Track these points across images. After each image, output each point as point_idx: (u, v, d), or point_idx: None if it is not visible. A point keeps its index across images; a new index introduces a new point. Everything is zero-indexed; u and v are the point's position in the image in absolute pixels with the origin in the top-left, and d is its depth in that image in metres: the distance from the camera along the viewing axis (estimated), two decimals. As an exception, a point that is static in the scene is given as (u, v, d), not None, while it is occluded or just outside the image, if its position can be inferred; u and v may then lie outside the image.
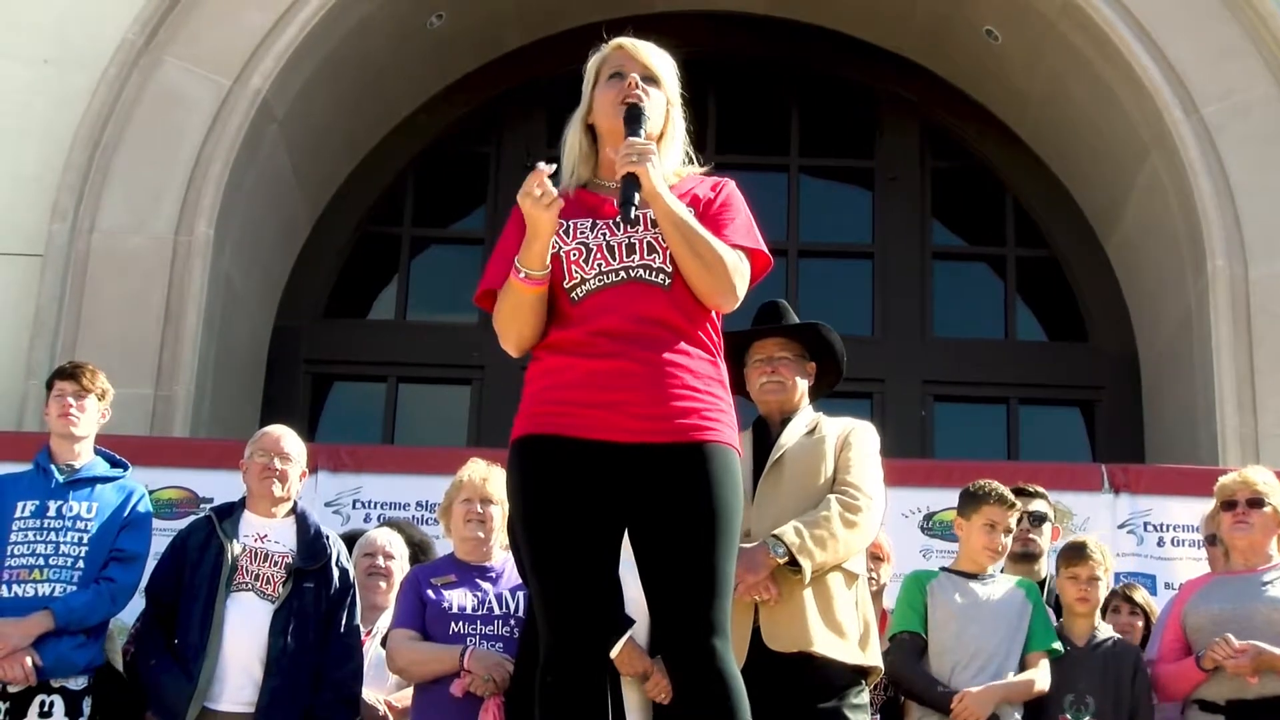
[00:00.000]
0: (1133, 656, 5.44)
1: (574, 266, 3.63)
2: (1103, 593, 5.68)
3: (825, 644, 4.51)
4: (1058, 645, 5.43)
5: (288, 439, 5.63)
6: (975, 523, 5.51)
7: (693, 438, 3.54)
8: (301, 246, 10.65)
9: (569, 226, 3.66)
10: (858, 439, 4.82)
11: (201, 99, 9.19)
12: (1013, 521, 5.59)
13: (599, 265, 3.62)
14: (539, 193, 3.50)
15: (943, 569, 5.60)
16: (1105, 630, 5.58)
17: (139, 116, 9.12)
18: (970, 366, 10.49)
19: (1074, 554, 5.61)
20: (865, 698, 4.65)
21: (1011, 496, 5.57)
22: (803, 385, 4.92)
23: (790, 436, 4.81)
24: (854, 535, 4.61)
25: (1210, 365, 8.91)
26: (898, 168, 11.04)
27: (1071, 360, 10.69)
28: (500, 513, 5.31)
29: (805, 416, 4.88)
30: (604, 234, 3.63)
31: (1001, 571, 6.00)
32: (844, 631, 4.56)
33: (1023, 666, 5.36)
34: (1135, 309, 10.44)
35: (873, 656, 4.66)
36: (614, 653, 4.46)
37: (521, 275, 3.58)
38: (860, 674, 4.64)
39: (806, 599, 4.52)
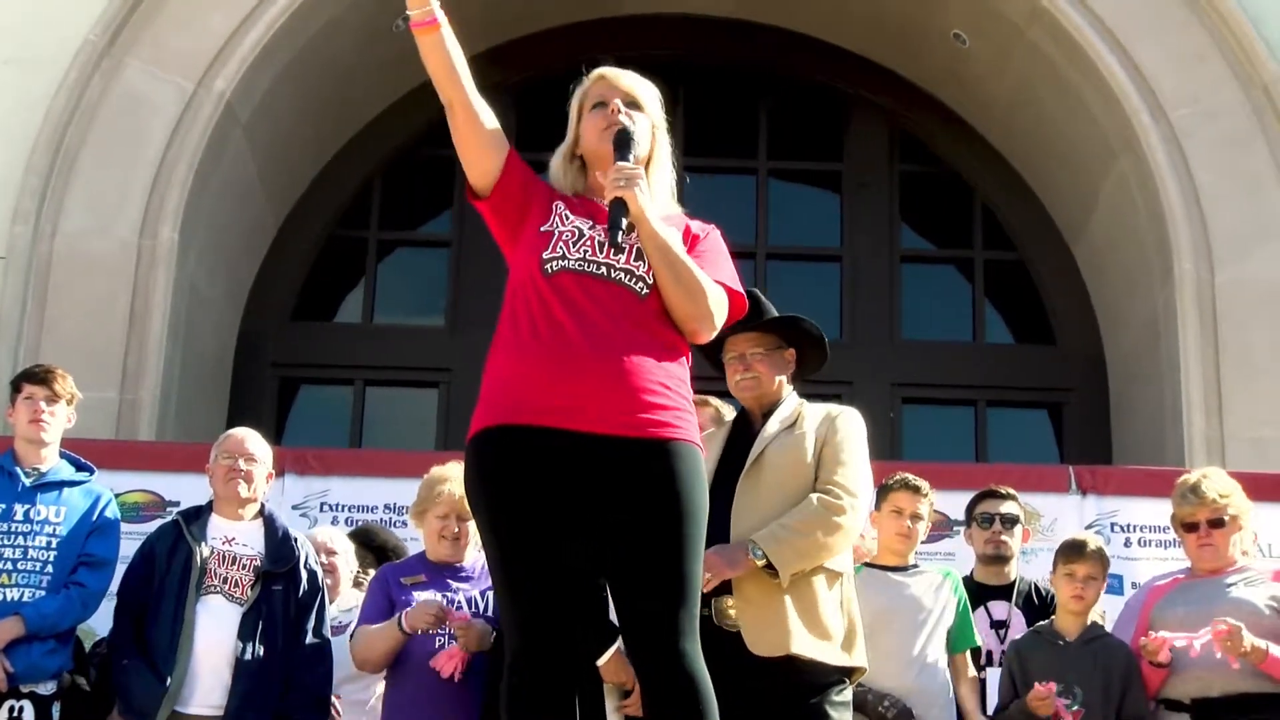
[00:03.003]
0: (1124, 652, 5.44)
1: (561, 244, 3.63)
2: (1098, 594, 5.67)
3: (807, 646, 4.45)
4: (978, 641, 5.53)
5: (252, 440, 5.60)
6: (884, 510, 5.58)
7: (662, 435, 3.53)
8: (268, 249, 10.61)
9: (569, 215, 3.69)
10: (840, 430, 4.71)
11: (165, 102, 9.14)
12: (923, 508, 5.62)
13: (584, 251, 3.62)
14: None
15: (865, 565, 5.54)
16: (1097, 627, 5.59)
17: (102, 119, 9.07)
18: (938, 369, 10.52)
19: (1073, 551, 5.59)
20: (848, 695, 4.60)
21: (922, 484, 5.60)
22: (781, 376, 4.84)
23: (770, 431, 4.73)
24: (835, 537, 4.55)
25: (1177, 368, 8.97)
26: (866, 171, 11.06)
27: (1039, 363, 10.73)
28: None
29: (788, 407, 4.78)
30: (599, 232, 3.64)
31: (971, 571, 6.05)
32: (827, 632, 4.51)
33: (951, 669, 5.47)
34: (1102, 312, 10.49)
35: (858, 656, 4.60)
36: (601, 661, 4.46)
37: (414, 20, 3.59)
38: (844, 673, 4.59)
39: (788, 602, 4.46)
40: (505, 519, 3.52)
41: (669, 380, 3.59)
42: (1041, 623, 5.70)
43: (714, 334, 3.72)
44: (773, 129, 11.18)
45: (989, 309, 10.96)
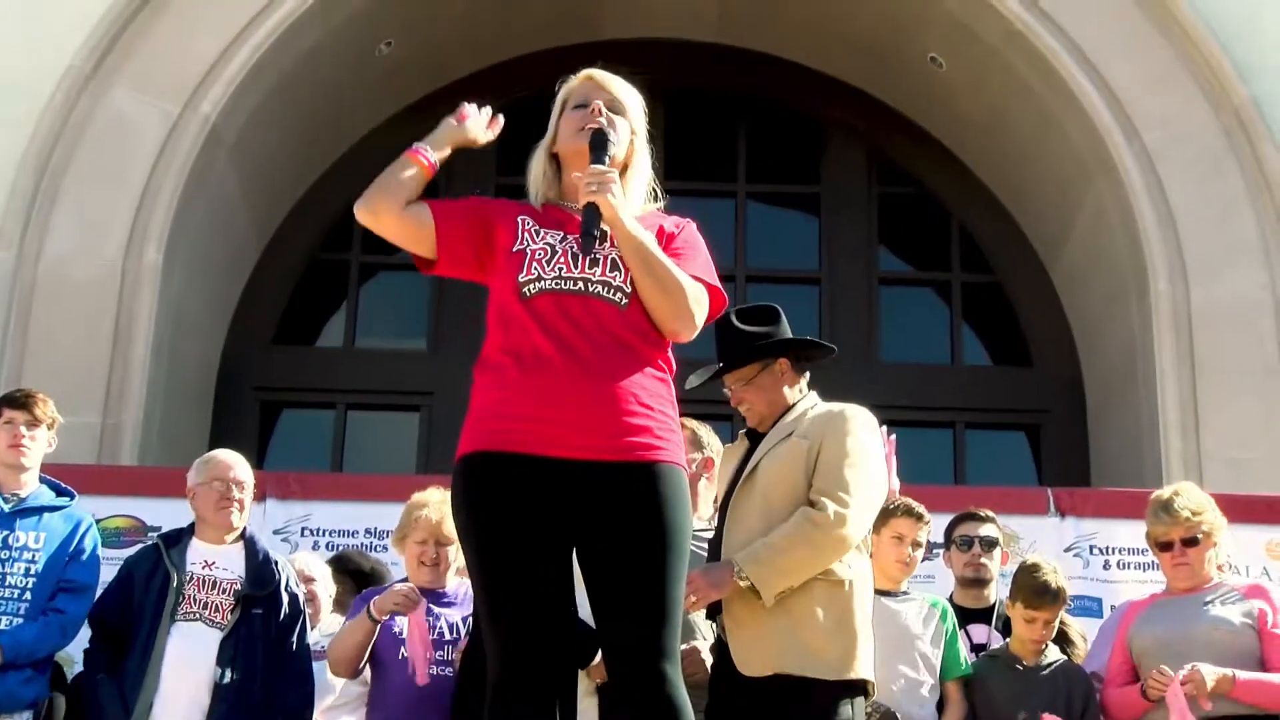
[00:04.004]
0: (1083, 677, 5.46)
1: (535, 264, 3.63)
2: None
3: (796, 664, 4.33)
4: (967, 667, 5.46)
5: (240, 467, 5.57)
6: (884, 536, 5.48)
7: (644, 457, 3.53)
8: (251, 273, 10.62)
9: (539, 230, 3.69)
10: (837, 431, 4.54)
11: (150, 125, 9.18)
12: (922, 535, 5.57)
13: (559, 269, 3.61)
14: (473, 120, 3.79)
15: None
16: (1054, 651, 5.60)
17: (87, 142, 9.10)
18: (916, 391, 10.53)
19: (1040, 596, 5.43)
20: (851, 711, 4.39)
21: (922, 510, 5.53)
22: (778, 389, 4.70)
23: (768, 442, 4.62)
24: (822, 553, 4.40)
25: (1154, 388, 9.02)
26: (844, 194, 11.11)
27: (1017, 384, 10.77)
28: (456, 551, 5.30)
29: (793, 414, 4.65)
30: (570, 244, 3.64)
31: (950, 594, 6.06)
32: (820, 648, 4.35)
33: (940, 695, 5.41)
34: (1080, 333, 10.55)
35: (859, 669, 4.41)
36: (592, 664, 4.39)
37: (422, 153, 3.74)
38: (847, 688, 4.40)
39: (777, 619, 4.35)
40: (488, 546, 3.53)
41: (651, 400, 3.59)
42: (995, 647, 5.68)
43: (695, 333, 3.69)
44: (751, 152, 11.23)
45: (966, 331, 11.01)
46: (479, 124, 3.82)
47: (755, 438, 4.73)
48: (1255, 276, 9.12)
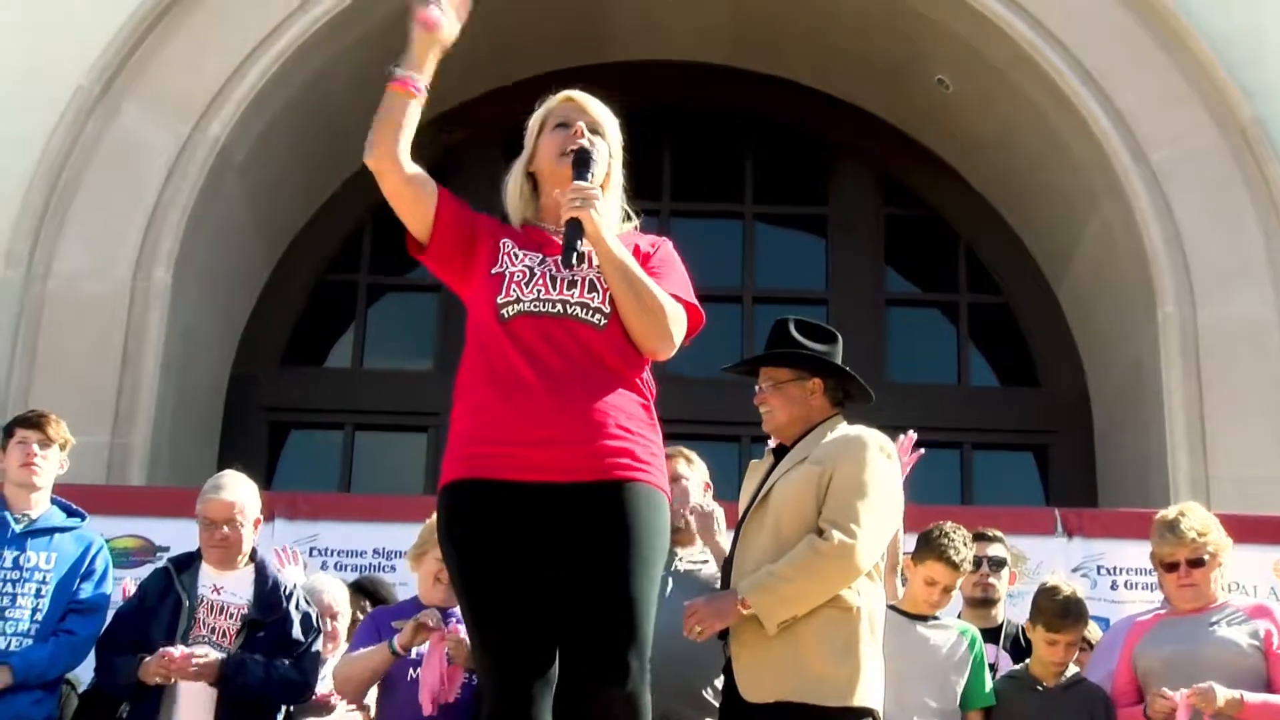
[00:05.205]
0: (1102, 697, 5.44)
1: (514, 286, 3.62)
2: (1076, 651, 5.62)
3: (798, 691, 4.32)
4: (991, 696, 5.41)
5: (234, 505, 5.45)
6: (919, 572, 5.47)
7: (623, 476, 3.52)
8: (260, 293, 10.64)
9: (517, 252, 3.68)
10: (850, 457, 4.51)
11: (160, 146, 9.20)
12: (956, 583, 5.55)
13: (538, 291, 3.61)
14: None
15: (890, 606, 5.36)
16: (1072, 669, 5.58)
17: (97, 162, 9.12)
18: (924, 412, 10.48)
19: (1063, 617, 5.42)
20: None
21: (959, 559, 5.43)
22: (804, 404, 4.67)
23: (783, 468, 4.60)
24: (827, 582, 4.37)
25: (1161, 409, 9.00)
26: (851, 215, 11.12)
27: (1024, 405, 10.76)
28: None
29: (814, 437, 4.62)
30: (549, 267, 3.63)
31: (958, 614, 6.02)
32: (825, 673, 4.34)
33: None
34: (1087, 354, 10.54)
35: (862, 697, 4.37)
36: None
37: (410, 83, 3.66)
38: (852, 716, 4.38)
39: (782, 645, 4.34)
40: (472, 577, 3.52)
41: (630, 422, 3.58)
42: (1015, 667, 5.67)
43: (674, 351, 3.69)
44: (758, 173, 11.24)
45: (973, 351, 11.00)
46: (450, 22, 3.70)
47: (781, 454, 4.70)
48: (1263, 296, 9.11)
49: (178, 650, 5.15)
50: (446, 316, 10.64)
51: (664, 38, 10.72)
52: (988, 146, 10.51)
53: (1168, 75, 9.41)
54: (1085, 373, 10.55)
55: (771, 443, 4.83)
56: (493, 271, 3.67)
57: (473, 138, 10.60)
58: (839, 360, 4.78)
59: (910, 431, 5.30)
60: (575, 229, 3.57)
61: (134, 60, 9.27)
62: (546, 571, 3.51)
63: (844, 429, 4.68)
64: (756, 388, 4.76)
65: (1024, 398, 10.82)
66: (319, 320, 10.96)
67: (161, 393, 8.93)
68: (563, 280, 3.61)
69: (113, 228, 9.06)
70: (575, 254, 3.56)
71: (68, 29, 9.26)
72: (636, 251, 3.74)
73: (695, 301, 3.77)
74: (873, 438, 4.62)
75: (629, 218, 3.86)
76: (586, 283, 3.62)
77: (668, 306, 3.64)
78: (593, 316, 3.61)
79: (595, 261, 3.63)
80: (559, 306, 3.61)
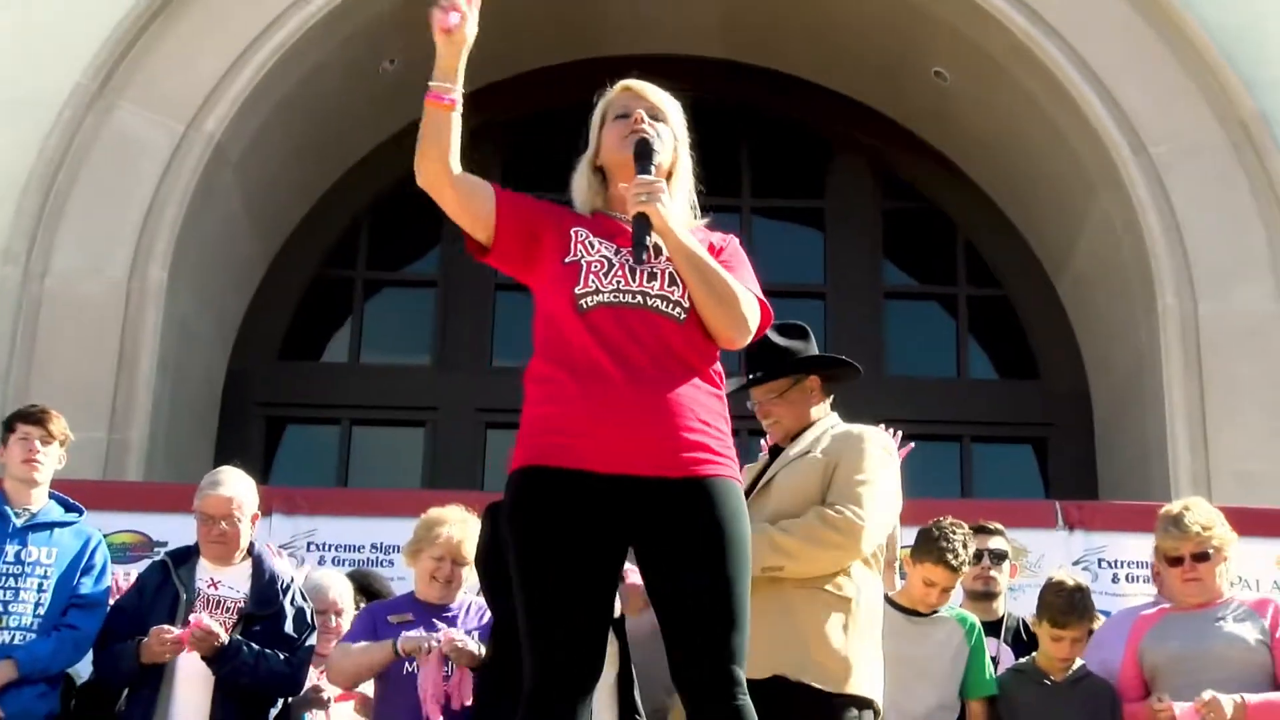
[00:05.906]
0: (1108, 690, 5.43)
1: (593, 276, 3.57)
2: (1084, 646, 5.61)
3: (794, 669, 4.34)
4: (993, 685, 5.41)
5: (232, 501, 5.48)
6: (918, 572, 5.49)
7: (703, 473, 3.49)
8: (256, 289, 10.64)
9: (592, 241, 3.64)
10: (856, 450, 4.59)
11: (156, 143, 9.19)
12: (956, 582, 5.55)
13: (617, 282, 3.56)
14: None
15: (887, 598, 5.37)
16: (1077, 663, 5.57)
17: (93, 161, 9.12)
18: (923, 405, 10.51)
19: (1067, 614, 5.43)
20: None
21: (957, 563, 5.45)
22: (807, 405, 4.76)
23: (788, 456, 4.65)
24: (824, 549, 4.42)
25: (1161, 402, 9.00)
26: (849, 208, 11.11)
27: (1023, 398, 10.76)
28: (470, 572, 5.29)
29: (814, 431, 4.70)
30: (626, 257, 3.60)
31: (961, 605, 6.02)
32: (822, 658, 4.37)
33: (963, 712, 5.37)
34: (1086, 347, 10.53)
35: (861, 686, 4.41)
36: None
37: (443, 96, 3.62)
38: (853, 703, 4.41)
39: (780, 624, 4.34)
40: (535, 561, 3.48)
41: (709, 415, 3.55)
42: (1022, 660, 5.67)
43: (748, 340, 3.66)
44: (756, 166, 11.22)
45: (973, 344, 11.00)
46: (470, 24, 3.68)
47: (775, 454, 4.74)
48: (1264, 289, 9.11)
49: (181, 626, 5.20)
50: (444, 311, 10.64)
51: (660, 32, 10.70)
52: (986, 139, 10.49)
53: (1168, 67, 9.39)
54: (1085, 365, 10.54)
55: (767, 441, 4.88)
56: (566, 260, 3.61)
57: (473, 131, 10.55)
58: (816, 349, 4.90)
59: (896, 430, 5.31)
60: (643, 224, 3.52)
61: (129, 58, 9.27)
62: (610, 562, 3.51)
63: (846, 426, 4.73)
64: (749, 404, 4.79)
65: (1023, 391, 10.81)
66: (315, 315, 10.95)
67: (158, 388, 8.93)
68: (642, 272, 3.57)
69: (109, 225, 9.06)
70: (644, 248, 3.52)
71: (63, 28, 9.25)
72: (710, 248, 3.70)
73: (764, 297, 3.72)
74: (876, 436, 4.70)
75: (696, 214, 3.80)
76: (667, 276, 3.58)
77: (740, 294, 3.60)
78: (673, 310, 3.57)
79: (666, 253, 3.60)
80: (639, 298, 3.56)
